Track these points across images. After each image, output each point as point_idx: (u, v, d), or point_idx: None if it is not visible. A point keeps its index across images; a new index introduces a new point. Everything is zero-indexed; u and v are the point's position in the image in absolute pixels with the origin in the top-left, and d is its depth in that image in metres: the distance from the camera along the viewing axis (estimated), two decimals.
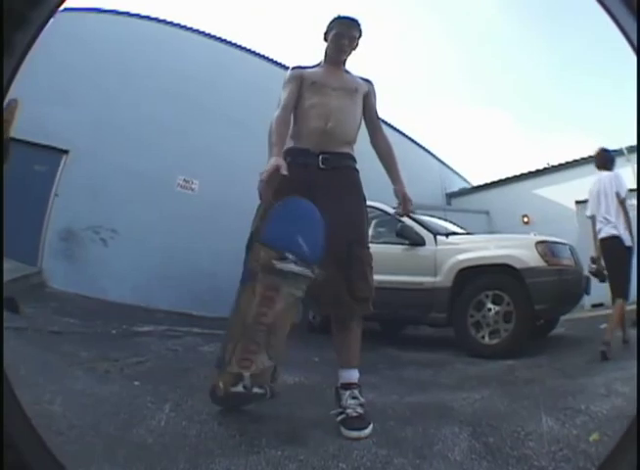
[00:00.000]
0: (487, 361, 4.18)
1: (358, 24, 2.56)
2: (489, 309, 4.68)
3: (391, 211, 5.09)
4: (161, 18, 10.07)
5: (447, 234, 5.50)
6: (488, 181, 12.76)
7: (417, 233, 5.32)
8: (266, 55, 11.18)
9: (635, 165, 8.70)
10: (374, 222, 5.65)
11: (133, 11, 9.76)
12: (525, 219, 11.20)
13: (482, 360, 4.24)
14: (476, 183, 14.16)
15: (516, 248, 4.91)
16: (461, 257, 4.99)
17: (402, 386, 3.25)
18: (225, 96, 10.00)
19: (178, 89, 9.49)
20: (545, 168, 11.46)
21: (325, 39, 2.65)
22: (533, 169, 11.71)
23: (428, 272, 5.13)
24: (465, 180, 14.93)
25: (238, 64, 10.64)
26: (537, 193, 11.21)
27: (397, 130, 12.40)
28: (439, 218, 7.18)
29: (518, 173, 11.97)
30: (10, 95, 0.99)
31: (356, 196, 2.49)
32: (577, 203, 9.48)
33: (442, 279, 5.03)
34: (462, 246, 5.17)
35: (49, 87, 7.85)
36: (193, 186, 9.56)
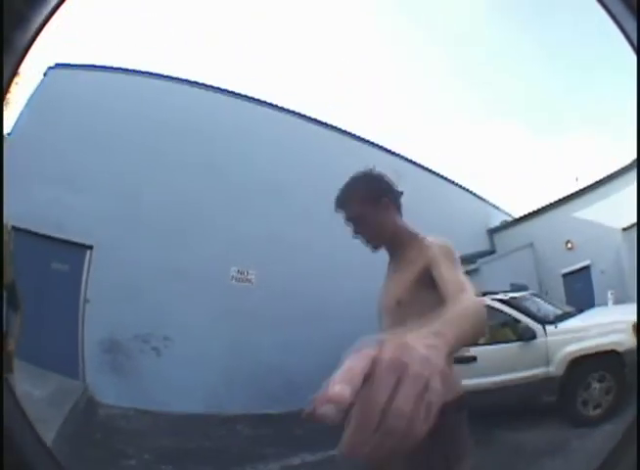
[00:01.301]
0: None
1: (343, 203, 1.88)
2: (594, 388, 5.49)
3: (491, 302, 6.09)
4: (182, 77, 9.09)
5: (555, 323, 6.01)
6: (528, 212, 12.73)
7: (528, 328, 5.87)
8: (303, 112, 10.23)
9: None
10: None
11: (142, 68, 8.83)
12: (569, 245, 11.17)
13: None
14: (512, 210, 14.08)
15: (617, 333, 5.51)
16: (570, 348, 5.60)
17: None
18: (264, 164, 9.11)
19: (211, 161, 8.66)
20: (580, 190, 11.43)
21: None
22: (569, 193, 11.70)
23: (540, 364, 5.72)
24: (503, 211, 14.49)
25: (270, 124, 9.62)
26: (576, 216, 11.15)
27: (428, 170, 12.07)
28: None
29: (555, 199, 11.96)
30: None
31: None
32: (624, 230, 9.61)
33: (555, 369, 5.65)
34: (570, 335, 5.73)
35: (57, 164, 7.26)
36: (249, 277, 8.64)
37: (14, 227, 6.05)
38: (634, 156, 9.13)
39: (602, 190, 10.68)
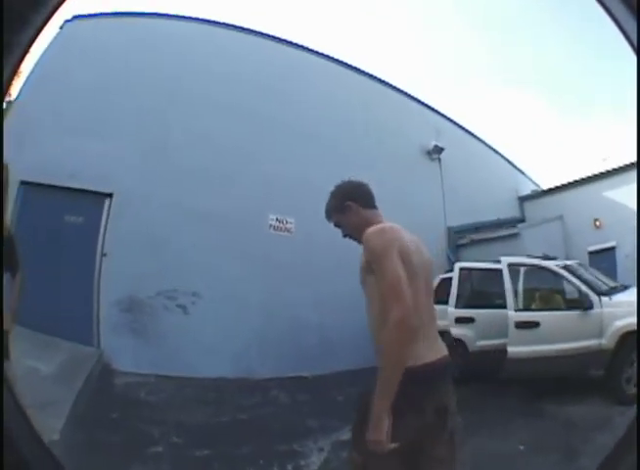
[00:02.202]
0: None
1: (326, 216, 2.41)
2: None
3: (552, 266, 6.38)
4: (207, 17, 8.58)
5: (609, 294, 5.98)
6: (559, 184, 12.93)
7: (588, 297, 5.81)
8: (341, 58, 9.93)
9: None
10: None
11: (157, 10, 8.27)
12: (597, 223, 11.44)
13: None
14: (540, 182, 14.52)
15: None
16: (622, 322, 5.55)
17: None
18: (305, 108, 8.74)
19: (246, 102, 8.12)
20: (610, 171, 11.53)
21: None
22: (599, 171, 11.86)
23: (594, 335, 5.71)
24: (532, 181, 14.84)
25: (312, 68, 9.34)
26: (605, 195, 11.33)
27: (464, 128, 12.19)
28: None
29: (588, 174, 12.09)
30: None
31: None
32: None
33: (607, 342, 5.63)
34: (623, 309, 5.67)
35: (74, 115, 6.80)
36: (288, 226, 8.17)
37: (24, 182, 5.97)
38: None
39: (632, 173, 10.66)
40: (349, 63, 10.03)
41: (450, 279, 7.67)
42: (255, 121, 8.13)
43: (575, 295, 6.04)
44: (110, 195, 7.03)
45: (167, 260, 7.01)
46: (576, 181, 12.37)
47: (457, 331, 6.87)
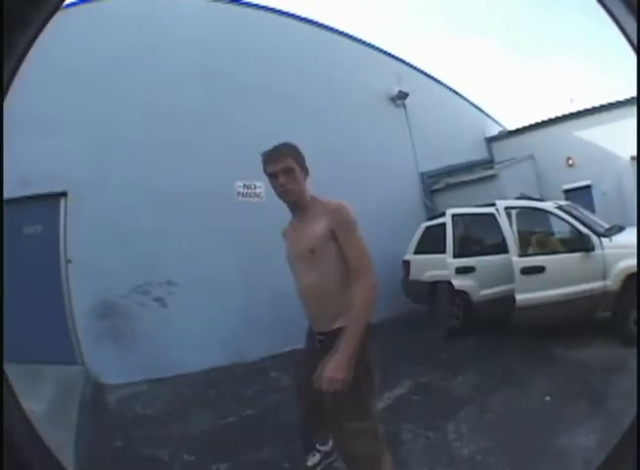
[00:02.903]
0: None
1: (283, 152, 2.47)
2: None
3: (551, 207, 6.27)
4: None
5: (608, 236, 5.94)
6: (527, 124, 13.18)
7: (590, 239, 5.75)
8: (297, 13, 9.40)
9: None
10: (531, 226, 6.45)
11: None
12: (570, 162, 11.83)
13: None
14: (507, 124, 14.93)
15: None
16: (625, 263, 5.53)
17: None
18: (264, 65, 8.19)
19: (199, 65, 7.45)
20: (579, 112, 11.91)
21: None
22: (567, 112, 12.21)
23: (598, 277, 5.69)
24: (498, 123, 15.04)
25: (270, 25, 8.78)
26: (577, 135, 11.68)
27: (426, 74, 12.09)
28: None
29: (557, 115, 12.40)
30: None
31: None
32: (633, 159, 10.50)
33: (611, 283, 5.62)
34: (625, 250, 5.62)
35: (14, 112, 5.79)
36: (257, 191, 7.55)
37: None
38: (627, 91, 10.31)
39: (604, 116, 11.12)
40: (306, 16, 9.55)
41: (436, 227, 7.56)
42: (211, 85, 7.47)
43: (572, 236, 5.98)
44: (64, 194, 6.19)
45: (134, 252, 6.35)
46: (545, 121, 12.64)
47: (459, 282, 6.68)
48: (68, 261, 6.13)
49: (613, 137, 10.61)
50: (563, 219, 6.05)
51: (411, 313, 8.38)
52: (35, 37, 1.03)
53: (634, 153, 10.18)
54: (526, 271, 5.70)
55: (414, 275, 7.89)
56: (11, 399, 1.09)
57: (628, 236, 6.12)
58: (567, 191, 11.36)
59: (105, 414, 5.03)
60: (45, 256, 6.12)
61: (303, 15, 9.51)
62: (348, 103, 9.34)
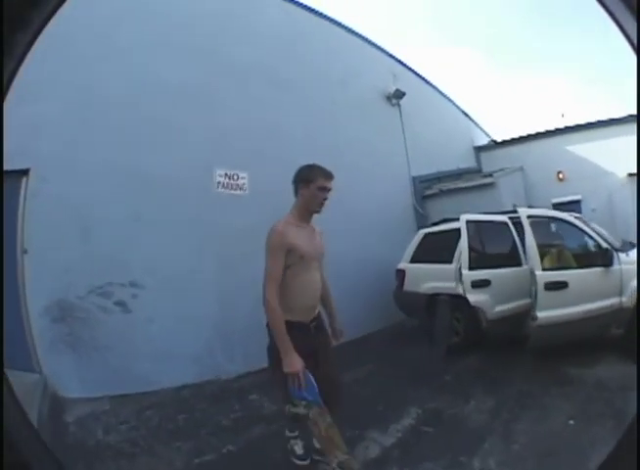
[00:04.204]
0: None
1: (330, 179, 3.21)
2: None
3: (573, 219, 6.19)
4: None
5: (625, 251, 5.97)
6: (518, 136, 13.52)
7: (610, 253, 5.73)
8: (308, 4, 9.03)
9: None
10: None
11: None
12: (561, 176, 12.22)
13: None
14: (494, 134, 15.54)
15: None
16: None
17: None
18: (259, 49, 7.63)
19: (197, 38, 6.83)
20: (578, 125, 12.27)
21: (300, 186, 3.18)
22: (559, 127, 12.63)
23: (615, 293, 5.68)
24: (485, 133, 15.37)
25: (269, 10, 8.28)
26: (569, 149, 12.05)
27: (420, 76, 12.02)
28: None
29: (549, 129, 12.81)
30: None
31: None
32: (631, 175, 10.87)
33: (627, 300, 5.61)
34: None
35: None
36: (240, 182, 6.93)
37: None
38: (623, 109, 11.09)
39: (597, 132, 11.58)
40: (308, 5, 9.15)
41: (438, 234, 7.29)
42: (202, 62, 6.88)
43: (592, 250, 5.90)
44: (25, 172, 5.34)
45: (95, 245, 5.56)
46: (536, 134, 13.00)
47: (475, 298, 6.21)
48: (25, 252, 5.33)
49: (605, 154, 10.99)
50: (585, 232, 5.98)
51: (399, 325, 8.04)
52: (35, 37, 1.07)
53: (631, 170, 10.48)
54: (550, 287, 5.46)
55: (409, 286, 7.49)
56: (11, 399, 1.14)
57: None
58: (556, 205, 11.47)
59: (63, 438, 4.31)
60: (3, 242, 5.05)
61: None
62: (343, 96, 9.04)
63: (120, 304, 5.78)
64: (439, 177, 11.28)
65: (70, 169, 5.53)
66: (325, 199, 3.16)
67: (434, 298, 7.01)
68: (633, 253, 5.98)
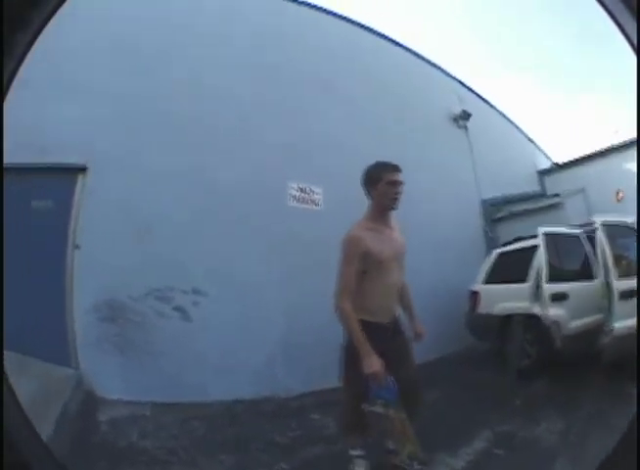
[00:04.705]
0: None
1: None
2: None
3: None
4: None
5: None
6: (577, 157, 13.12)
7: None
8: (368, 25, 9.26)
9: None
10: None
11: None
12: (620, 195, 11.48)
13: None
14: (555, 158, 14.93)
15: None
16: None
17: None
18: (332, 67, 7.89)
19: (258, 54, 7.06)
20: (631, 142, 11.61)
21: (369, 187, 3.17)
22: (621, 142, 11.97)
23: None
24: (546, 155, 14.99)
25: (343, 34, 8.66)
26: (626, 167, 11.48)
27: (483, 99, 11.93)
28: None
29: (607, 147, 12.22)
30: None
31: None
32: None
33: None
34: None
35: (44, 77, 5.05)
36: (315, 197, 6.92)
37: None
38: None
39: None
40: (375, 28, 9.42)
41: (512, 253, 7.17)
42: (276, 76, 7.08)
43: None
44: (83, 169, 5.51)
45: (156, 247, 5.56)
46: (593, 154, 12.55)
47: (554, 311, 5.99)
48: (76, 247, 5.40)
49: None
50: None
51: (467, 350, 7.67)
52: (35, 38, 1.07)
53: None
54: (625, 295, 5.35)
55: (483, 308, 7.22)
56: (11, 399, 1.13)
57: None
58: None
59: (91, 435, 4.12)
60: (51, 235, 5.39)
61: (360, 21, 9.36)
62: (411, 117, 8.97)
63: (180, 309, 5.72)
64: (507, 201, 11.00)
65: (131, 170, 5.71)
66: (397, 193, 3.10)
67: (507, 319, 6.78)
68: None
